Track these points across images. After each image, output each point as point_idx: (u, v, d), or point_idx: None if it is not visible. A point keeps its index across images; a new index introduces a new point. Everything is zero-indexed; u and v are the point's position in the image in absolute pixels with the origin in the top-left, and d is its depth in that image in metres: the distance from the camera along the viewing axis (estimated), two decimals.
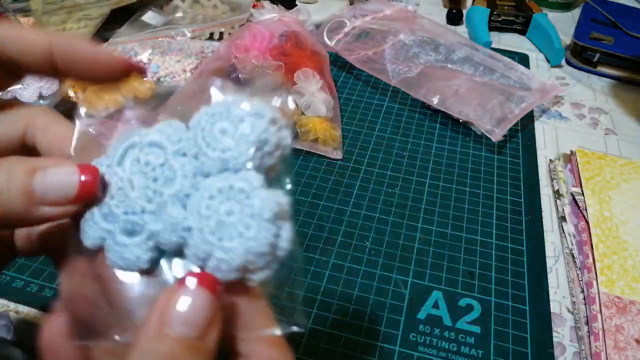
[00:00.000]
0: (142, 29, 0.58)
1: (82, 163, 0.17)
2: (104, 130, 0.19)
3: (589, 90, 0.62)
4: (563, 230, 0.42)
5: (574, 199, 0.44)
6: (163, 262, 0.17)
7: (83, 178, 0.16)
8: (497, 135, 0.50)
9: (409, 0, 0.77)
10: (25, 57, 0.19)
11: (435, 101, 0.53)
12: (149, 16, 0.61)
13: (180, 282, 0.16)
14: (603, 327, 0.34)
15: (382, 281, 0.38)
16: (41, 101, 0.44)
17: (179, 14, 0.63)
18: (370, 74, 0.58)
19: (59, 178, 0.16)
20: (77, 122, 0.19)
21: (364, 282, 0.38)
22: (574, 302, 0.37)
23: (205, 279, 0.16)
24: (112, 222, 0.17)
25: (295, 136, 0.49)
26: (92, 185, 0.17)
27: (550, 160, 0.50)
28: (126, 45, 0.56)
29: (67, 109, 0.47)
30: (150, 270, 0.17)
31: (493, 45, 0.68)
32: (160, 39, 0.56)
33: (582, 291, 0.37)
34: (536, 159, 0.51)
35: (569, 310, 0.37)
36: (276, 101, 0.18)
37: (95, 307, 0.17)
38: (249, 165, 0.17)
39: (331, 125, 0.50)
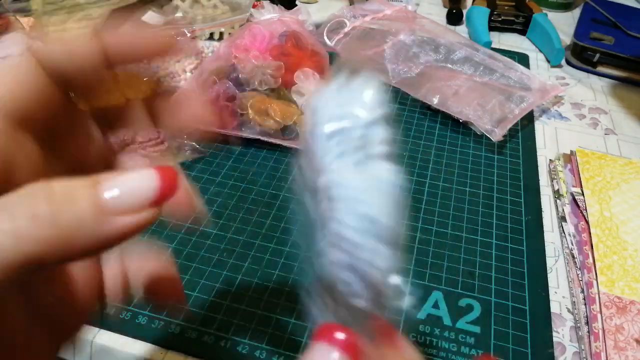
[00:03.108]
0: None
1: (160, 165, 0.16)
2: None
3: (589, 90, 0.62)
4: (563, 230, 0.42)
5: (574, 199, 0.44)
6: None
7: (160, 178, 0.15)
8: (497, 135, 0.50)
9: (409, 0, 0.77)
10: (81, 69, 0.17)
11: (435, 101, 0.53)
12: (149, 16, 0.61)
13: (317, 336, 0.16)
14: (603, 327, 0.34)
15: None
16: None
17: (179, 14, 0.63)
18: None
19: (133, 183, 0.14)
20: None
21: None
22: (574, 302, 0.37)
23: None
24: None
25: (296, 136, 0.49)
26: (174, 182, 0.15)
27: (550, 160, 0.50)
28: None
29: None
30: None
31: (493, 45, 0.68)
32: None
33: (582, 291, 0.37)
34: (536, 159, 0.51)
35: (569, 310, 0.37)
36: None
37: None
38: None
39: None
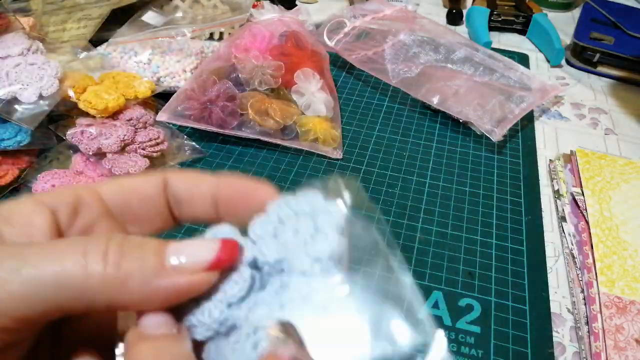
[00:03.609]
0: (142, 29, 0.58)
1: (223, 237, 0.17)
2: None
3: (589, 90, 0.62)
4: (563, 230, 0.42)
5: (574, 199, 0.44)
6: None
7: (220, 248, 0.16)
8: (497, 135, 0.50)
9: (409, 0, 0.77)
10: (193, 203, 0.19)
11: (435, 101, 0.53)
12: (149, 16, 0.61)
13: None
14: (603, 327, 0.34)
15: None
16: (41, 101, 0.44)
17: (179, 14, 0.63)
18: (370, 74, 0.58)
19: (195, 247, 0.16)
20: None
21: None
22: (574, 302, 0.37)
23: None
24: None
25: (295, 136, 0.49)
26: (233, 254, 0.16)
27: (550, 160, 0.50)
28: (126, 45, 0.56)
29: (67, 109, 0.47)
30: None
31: (493, 45, 0.68)
32: (160, 39, 0.56)
33: (582, 291, 0.37)
34: (536, 159, 0.51)
35: (569, 310, 0.37)
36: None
37: None
38: None
39: (331, 125, 0.50)
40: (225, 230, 0.17)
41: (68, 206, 0.17)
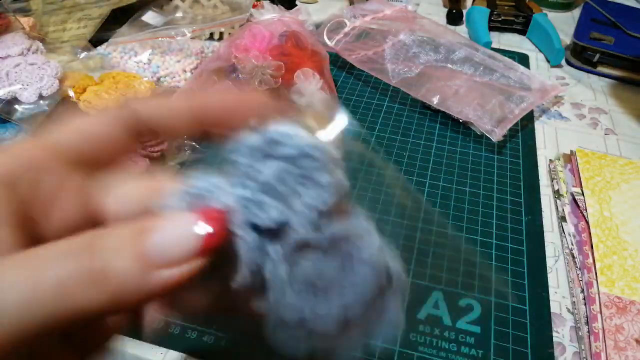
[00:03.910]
0: (142, 29, 0.58)
1: (205, 208, 0.15)
2: None
3: (589, 90, 0.62)
4: (563, 230, 0.42)
5: (574, 199, 0.44)
6: None
7: (205, 227, 0.14)
8: (497, 135, 0.50)
9: (409, 0, 0.77)
10: (172, 126, 0.19)
11: (435, 101, 0.53)
12: (149, 16, 0.61)
13: None
14: (603, 327, 0.34)
15: None
16: (41, 101, 0.44)
17: (179, 14, 0.63)
18: (370, 74, 0.58)
19: (177, 232, 0.14)
20: None
21: None
22: (574, 302, 0.37)
23: None
24: None
25: None
26: (221, 229, 0.14)
27: (550, 160, 0.50)
28: (126, 45, 0.56)
29: (67, 109, 0.47)
30: None
31: (493, 45, 0.68)
32: (160, 39, 0.56)
33: (582, 291, 0.37)
34: (536, 159, 0.51)
35: (569, 310, 0.37)
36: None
37: None
38: None
39: None
40: (207, 186, 0.15)
41: (26, 174, 0.15)
